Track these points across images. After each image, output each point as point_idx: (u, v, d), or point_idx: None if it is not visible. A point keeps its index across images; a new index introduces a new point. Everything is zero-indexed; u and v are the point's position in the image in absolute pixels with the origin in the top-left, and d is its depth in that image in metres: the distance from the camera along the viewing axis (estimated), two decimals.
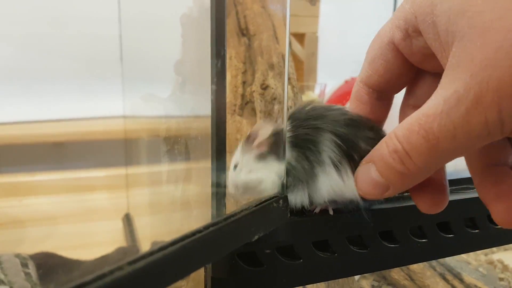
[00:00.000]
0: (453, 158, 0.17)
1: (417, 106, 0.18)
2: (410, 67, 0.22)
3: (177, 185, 0.41)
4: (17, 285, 0.35)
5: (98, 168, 0.81)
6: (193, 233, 0.14)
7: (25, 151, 0.80)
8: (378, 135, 0.22)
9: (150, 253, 0.12)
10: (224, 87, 0.17)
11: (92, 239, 0.62)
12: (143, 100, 0.56)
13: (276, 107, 0.39)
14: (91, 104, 0.83)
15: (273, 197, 0.19)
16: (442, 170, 0.21)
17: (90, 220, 0.68)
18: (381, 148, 0.19)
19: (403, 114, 0.23)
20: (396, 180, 0.18)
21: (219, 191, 0.18)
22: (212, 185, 0.18)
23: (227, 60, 0.45)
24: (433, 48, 0.19)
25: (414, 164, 0.17)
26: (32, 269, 0.40)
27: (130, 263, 0.12)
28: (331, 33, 0.97)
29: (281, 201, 0.19)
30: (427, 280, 0.38)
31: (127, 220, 0.67)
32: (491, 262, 0.47)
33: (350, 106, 0.24)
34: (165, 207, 0.50)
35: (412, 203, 0.21)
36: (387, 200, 0.22)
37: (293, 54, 0.65)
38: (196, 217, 0.36)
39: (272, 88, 0.39)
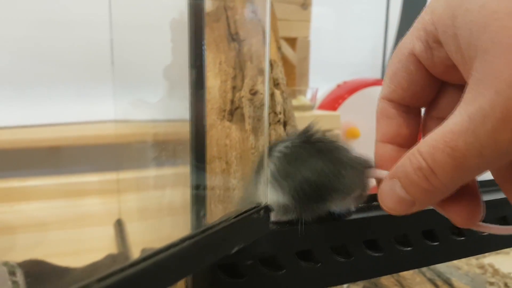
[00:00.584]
0: (480, 174, 0.17)
1: (440, 118, 0.18)
2: (433, 79, 0.21)
3: (165, 192, 0.40)
4: None
5: (91, 173, 0.81)
6: (168, 247, 0.14)
7: (16, 156, 0.79)
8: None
9: (121, 270, 0.12)
10: (202, 96, 0.17)
11: (83, 245, 0.61)
12: (132, 105, 0.55)
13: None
14: (84, 108, 0.83)
15: (253, 208, 0.18)
16: (474, 179, 0.20)
17: (81, 226, 0.68)
18: (405, 165, 0.18)
19: (426, 126, 0.23)
20: (421, 196, 0.18)
21: (198, 200, 0.18)
22: (191, 195, 0.18)
23: (217, 65, 0.45)
24: (454, 60, 0.18)
25: (439, 181, 0.17)
26: (20, 277, 0.40)
27: (100, 280, 0.12)
28: (324, 37, 0.97)
29: (261, 212, 0.18)
30: (417, 286, 0.38)
31: (119, 225, 0.66)
32: (481, 267, 0.47)
33: (377, 127, 0.23)
34: (155, 213, 0.50)
35: None
36: (371, 208, 0.22)
37: (285, 59, 0.65)
38: (184, 223, 0.35)
39: (261, 94, 0.39)
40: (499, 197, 0.27)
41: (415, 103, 0.22)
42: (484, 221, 0.20)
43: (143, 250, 0.51)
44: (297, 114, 0.61)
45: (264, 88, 0.40)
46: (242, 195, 0.32)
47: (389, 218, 0.22)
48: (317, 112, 0.64)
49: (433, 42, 0.19)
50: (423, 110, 0.24)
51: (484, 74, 0.16)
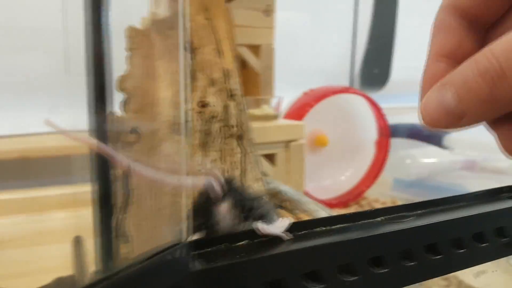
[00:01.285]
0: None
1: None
2: None
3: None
4: None
5: (51, 186, 0.77)
6: None
7: None
8: None
9: None
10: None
11: (37, 265, 0.58)
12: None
13: (216, 125, 0.37)
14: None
15: (167, 248, 0.16)
16: None
17: (39, 243, 0.64)
18: (467, 69, 0.15)
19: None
20: (478, 108, 0.15)
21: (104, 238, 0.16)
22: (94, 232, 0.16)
23: (169, 76, 0.43)
24: None
25: (509, 89, 0.14)
26: None
27: None
28: (291, 44, 0.96)
29: (178, 252, 0.16)
30: None
31: (77, 243, 0.63)
32: (446, 279, 0.46)
33: (433, 41, 0.19)
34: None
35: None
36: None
37: (248, 67, 0.63)
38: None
39: (213, 106, 0.37)
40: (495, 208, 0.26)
41: (484, 14, 0.19)
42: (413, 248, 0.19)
43: (58, 279, 0.48)
44: (260, 124, 0.59)
45: (213, 100, 0.38)
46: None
47: (333, 246, 0.20)
48: (281, 122, 0.63)
49: None
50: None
51: None
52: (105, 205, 0.15)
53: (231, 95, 0.41)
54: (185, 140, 0.34)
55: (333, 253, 0.21)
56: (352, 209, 0.86)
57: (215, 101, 0.37)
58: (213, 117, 0.36)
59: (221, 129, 0.37)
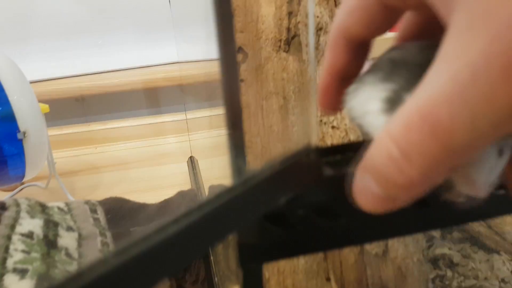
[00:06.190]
0: (472, 154, 0.13)
1: None
2: (398, 13, 0.18)
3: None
4: (85, 230, 0.38)
5: (164, 114, 0.84)
6: (201, 205, 0.12)
7: (99, 100, 0.84)
8: None
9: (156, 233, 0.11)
10: (230, 24, 0.14)
11: (159, 182, 0.65)
12: (189, 45, 0.54)
13: (322, 38, 0.35)
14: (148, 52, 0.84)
15: (301, 151, 0.16)
16: None
17: (158, 164, 0.72)
18: (373, 154, 0.14)
19: None
20: (400, 193, 0.14)
21: (236, 145, 0.16)
22: (227, 139, 0.16)
23: None
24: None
25: (419, 172, 0.13)
26: (100, 215, 0.43)
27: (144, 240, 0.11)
28: None
29: (311, 155, 0.16)
30: (507, 227, 0.34)
31: (191, 162, 0.69)
32: None
33: (326, 58, 0.21)
34: (222, 150, 0.50)
35: None
36: None
37: None
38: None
39: (317, 17, 0.35)
40: None
41: (366, 34, 0.18)
42: None
43: (210, 187, 0.52)
44: None
45: (319, 10, 0.35)
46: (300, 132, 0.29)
47: None
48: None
49: None
50: None
51: (473, 18, 0.11)
52: (235, 126, 0.15)
53: (340, 2, 0.38)
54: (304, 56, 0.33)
55: None
56: None
57: (320, 11, 0.35)
58: (320, 29, 0.34)
59: None
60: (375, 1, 0.17)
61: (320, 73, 0.21)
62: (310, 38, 0.20)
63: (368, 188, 0.14)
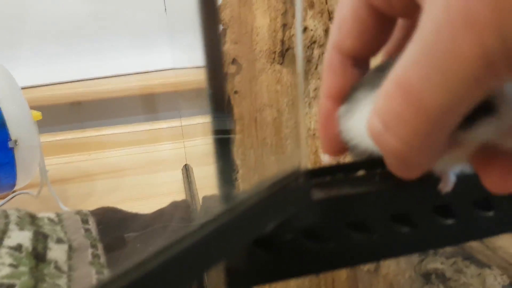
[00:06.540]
0: (452, 124, 0.12)
1: None
2: (388, 22, 0.18)
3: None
4: (76, 242, 0.38)
5: (158, 121, 0.83)
6: (187, 235, 0.12)
7: (93, 107, 0.84)
8: None
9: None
10: (216, 33, 0.14)
11: (153, 190, 0.64)
12: (184, 52, 0.54)
13: (316, 52, 0.35)
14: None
15: (289, 175, 0.16)
16: None
17: (153, 171, 0.71)
18: (367, 128, 0.14)
19: None
20: (401, 164, 0.14)
21: (222, 157, 0.15)
22: (213, 153, 0.15)
23: (266, 1, 0.41)
24: None
25: (401, 142, 0.12)
26: (92, 225, 0.42)
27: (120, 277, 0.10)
28: None
29: (299, 180, 0.16)
30: (499, 241, 0.34)
31: (186, 171, 0.68)
32: None
33: (324, 80, 0.20)
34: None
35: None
36: None
37: None
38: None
39: (311, 30, 0.35)
40: None
41: (364, 52, 0.18)
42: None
43: (204, 198, 0.52)
44: None
45: (313, 23, 0.35)
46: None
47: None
48: None
49: None
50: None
51: None
52: (223, 134, 0.15)
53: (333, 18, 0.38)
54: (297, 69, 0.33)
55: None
56: None
57: (314, 25, 0.35)
58: (313, 42, 0.34)
59: (323, 56, 0.35)
60: (363, 9, 0.17)
61: (320, 100, 0.20)
62: (298, 49, 0.20)
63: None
